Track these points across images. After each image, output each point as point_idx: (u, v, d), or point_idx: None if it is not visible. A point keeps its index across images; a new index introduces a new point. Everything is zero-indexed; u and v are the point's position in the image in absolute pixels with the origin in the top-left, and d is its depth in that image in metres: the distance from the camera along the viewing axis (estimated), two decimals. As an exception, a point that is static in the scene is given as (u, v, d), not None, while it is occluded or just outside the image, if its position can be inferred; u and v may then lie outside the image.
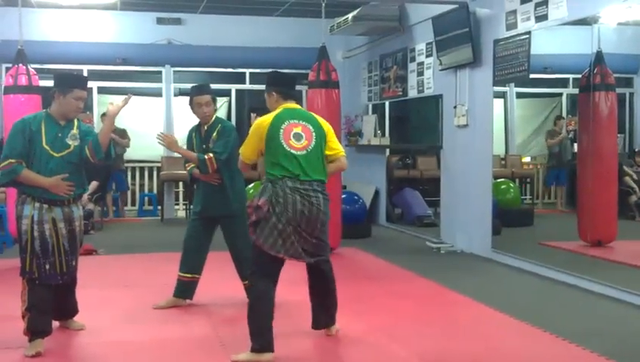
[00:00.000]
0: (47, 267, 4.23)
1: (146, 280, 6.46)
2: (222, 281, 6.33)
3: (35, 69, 7.61)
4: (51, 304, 4.33)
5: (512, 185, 9.63)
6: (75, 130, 4.45)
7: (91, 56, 11.18)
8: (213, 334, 4.78)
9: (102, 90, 11.80)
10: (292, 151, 4.32)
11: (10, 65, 7.88)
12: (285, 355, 4.28)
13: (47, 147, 4.31)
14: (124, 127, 11.00)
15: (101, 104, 11.65)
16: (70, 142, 4.39)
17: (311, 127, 4.46)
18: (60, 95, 4.40)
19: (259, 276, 4.34)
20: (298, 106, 4.63)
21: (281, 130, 4.37)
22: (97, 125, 10.65)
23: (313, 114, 4.70)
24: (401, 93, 9.88)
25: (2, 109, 7.54)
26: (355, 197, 9.60)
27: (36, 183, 4.26)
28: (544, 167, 9.74)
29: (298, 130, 4.40)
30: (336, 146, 4.57)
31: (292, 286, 4.93)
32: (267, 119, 4.47)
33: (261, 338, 4.15)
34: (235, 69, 12.10)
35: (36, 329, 4.23)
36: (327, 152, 4.52)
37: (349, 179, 9.92)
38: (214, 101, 5.45)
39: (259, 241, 4.24)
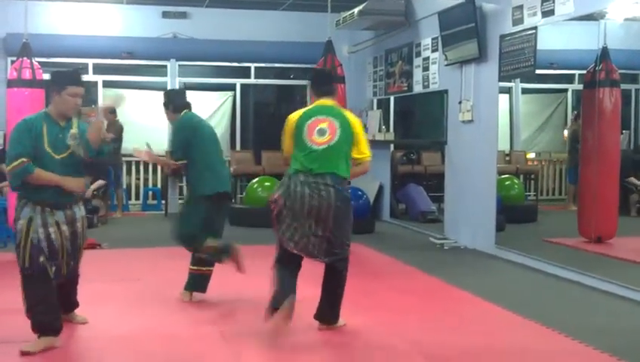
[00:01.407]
0: (54, 269, 4.18)
1: (149, 275, 6.46)
2: (224, 276, 6.34)
3: (40, 62, 7.60)
4: (55, 300, 4.27)
5: (516, 181, 9.61)
6: (74, 130, 4.33)
7: (97, 50, 11.18)
8: (214, 328, 4.77)
9: (107, 84, 11.79)
10: (312, 146, 4.43)
11: (15, 58, 7.89)
12: (289, 348, 4.29)
13: (49, 149, 4.20)
14: (131, 122, 10.99)
15: (106, 98, 11.65)
16: (70, 143, 4.28)
17: (337, 123, 4.50)
18: (55, 94, 4.31)
19: (278, 266, 4.56)
20: (330, 102, 4.67)
21: (306, 126, 4.48)
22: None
23: (345, 112, 4.73)
24: (406, 88, 9.86)
25: (6, 103, 7.53)
26: (359, 193, 9.59)
27: (50, 181, 4.16)
28: (565, 163, 9.66)
29: (324, 125, 4.48)
30: (364, 150, 4.59)
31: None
32: (296, 115, 4.59)
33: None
34: (240, 63, 12.08)
35: (44, 327, 4.21)
36: (356, 155, 4.55)
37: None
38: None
39: (278, 234, 4.46)
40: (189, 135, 5.52)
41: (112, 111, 10.58)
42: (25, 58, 7.36)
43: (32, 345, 4.16)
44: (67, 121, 4.36)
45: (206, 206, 5.40)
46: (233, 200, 11.37)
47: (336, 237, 4.45)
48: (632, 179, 7.94)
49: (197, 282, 5.50)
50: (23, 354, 4.09)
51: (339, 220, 4.43)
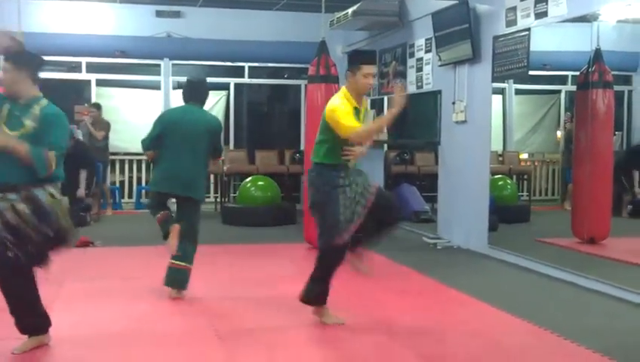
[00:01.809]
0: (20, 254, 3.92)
1: (142, 273, 6.46)
2: (217, 273, 6.35)
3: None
4: (35, 295, 4.13)
5: (509, 181, 9.65)
6: (36, 111, 4.06)
7: (90, 49, 11.16)
8: (209, 326, 4.78)
9: (100, 83, 11.78)
10: None
11: (8, 56, 7.86)
12: (283, 347, 4.30)
13: (4, 126, 4.02)
14: (124, 120, 10.98)
15: (100, 96, 11.64)
16: (27, 122, 4.01)
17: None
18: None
19: None
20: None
21: None
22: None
23: (332, 98, 4.78)
24: (399, 89, 9.85)
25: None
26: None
27: None
28: (558, 164, 9.71)
29: None
30: (343, 129, 4.52)
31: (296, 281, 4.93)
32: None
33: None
34: (234, 62, 12.08)
35: (29, 329, 4.16)
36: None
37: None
38: None
39: None
40: (158, 127, 5.49)
41: (97, 108, 10.59)
42: (19, 56, 7.32)
43: (23, 345, 4.14)
44: (29, 100, 4.12)
45: (153, 197, 5.66)
46: (225, 200, 11.38)
47: (316, 221, 4.63)
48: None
49: (174, 277, 5.44)
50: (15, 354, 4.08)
51: (315, 205, 4.66)
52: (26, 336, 4.18)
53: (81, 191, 9.51)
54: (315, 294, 4.76)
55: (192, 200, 5.47)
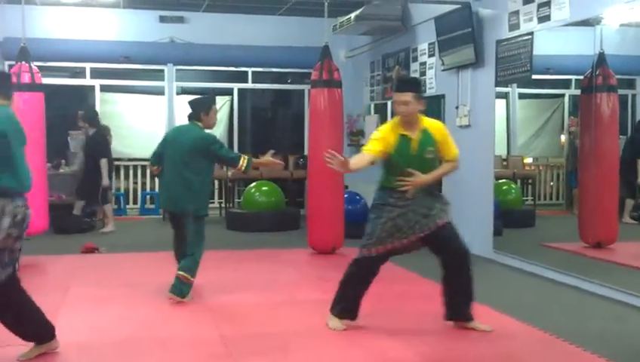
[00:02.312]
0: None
1: (147, 279, 6.46)
2: (222, 279, 6.35)
3: (37, 66, 7.61)
4: (30, 304, 4.07)
5: (513, 186, 9.62)
6: None
7: (94, 54, 11.20)
8: (214, 331, 4.78)
9: (104, 88, 11.81)
10: None
11: (13, 62, 7.89)
12: (289, 353, 4.30)
13: None
14: (128, 126, 10.99)
15: (103, 102, 11.66)
16: None
17: None
18: None
19: None
20: None
21: None
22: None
23: None
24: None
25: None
26: (357, 197, 9.60)
27: None
28: (562, 168, 9.67)
29: None
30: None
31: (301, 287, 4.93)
32: None
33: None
34: (237, 67, 12.09)
35: (35, 338, 4.15)
36: None
37: (351, 178, 9.92)
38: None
39: None
40: (160, 145, 5.85)
41: (92, 118, 10.29)
42: (23, 62, 7.36)
43: (29, 351, 4.14)
44: None
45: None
46: (227, 205, 11.39)
47: None
48: None
49: (175, 285, 5.54)
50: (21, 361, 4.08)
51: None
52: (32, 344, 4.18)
53: (106, 181, 9.56)
54: (341, 307, 4.84)
55: (185, 215, 5.56)
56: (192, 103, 5.76)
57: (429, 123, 4.80)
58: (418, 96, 4.69)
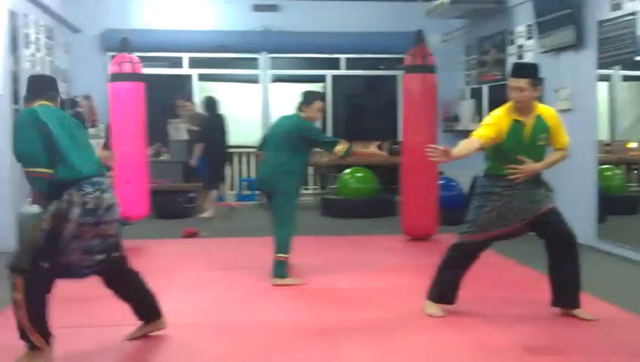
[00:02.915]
0: None
1: (246, 263, 6.59)
2: (317, 265, 6.41)
3: (137, 56, 7.85)
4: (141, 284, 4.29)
5: (617, 171, 9.27)
6: None
7: (191, 44, 11.46)
8: (313, 317, 4.82)
9: (202, 78, 12.07)
10: None
11: (114, 53, 8.16)
12: (385, 338, 4.30)
13: None
14: (225, 114, 11.19)
15: (201, 90, 11.93)
16: None
17: None
18: None
19: None
20: None
21: None
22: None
23: None
24: (500, 77, 9.66)
25: (108, 97, 7.81)
26: (452, 183, 9.48)
27: None
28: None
29: None
30: None
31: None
32: None
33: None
34: (330, 54, 12.12)
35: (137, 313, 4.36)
36: None
37: (446, 164, 9.79)
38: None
39: None
40: (267, 131, 6.36)
41: (190, 101, 10.79)
42: (125, 53, 7.60)
43: (134, 331, 4.29)
44: None
45: None
46: (322, 192, 11.47)
47: None
48: None
49: (274, 268, 5.73)
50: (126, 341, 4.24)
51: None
52: (139, 323, 4.32)
53: (194, 160, 9.90)
54: (438, 291, 4.81)
55: (278, 192, 5.80)
56: (301, 94, 6.06)
57: (542, 109, 4.69)
58: (534, 83, 4.57)
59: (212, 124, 9.99)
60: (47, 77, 4.46)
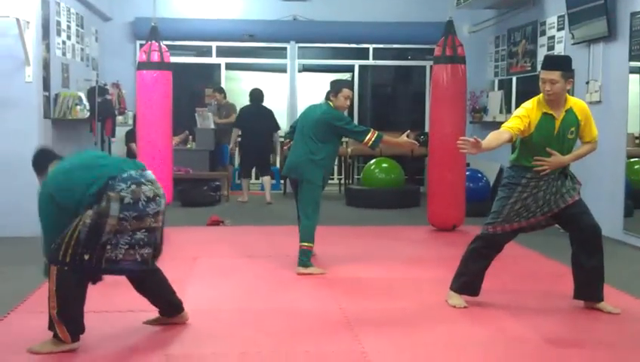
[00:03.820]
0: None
1: (270, 251, 6.62)
2: (341, 254, 6.42)
3: (166, 45, 7.90)
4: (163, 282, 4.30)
5: (646, 165, 9.15)
6: None
7: (219, 33, 11.50)
8: (336, 306, 4.83)
9: (229, 67, 12.12)
10: None
11: (143, 42, 8.22)
12: (409, 329, 4.30)
13: None
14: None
15: (228, 79, 11.98)
16: None
17: None
18: None
19: None
20: None
21: None
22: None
23: None
24: (529, 69, 9.57)
25: (136, 85, 7.88)
26: (479, 175, 9.44)
27: None
28: None
29: None
30: None
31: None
32: None
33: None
34: (358, 44, 12.09)
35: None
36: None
37: (473, 156, 9.73)
38: None
39: None
40: (296, 120, 6.39)
41: (220, 92, 10.90)
42: (154, 41, 7.65)
43: (155, 319, 4.33)
44: None
45: None
46: (348, 182, 11.47)
47: None
48: None
49: (299, 257, 5.75)
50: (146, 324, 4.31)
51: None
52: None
53: (232, 145, 10.44)
54: (461, 282, 4.79)
55: (304, 181, 5.83)
56: (330, 84, 6.07)
57: (573, 102, 4.64)
58: (566, 75, 4.51)
59: (252, 114, 10.12)
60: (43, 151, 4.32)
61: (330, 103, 5.90)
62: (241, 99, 11.60)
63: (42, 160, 4.13)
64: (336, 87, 5.93)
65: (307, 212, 5.80)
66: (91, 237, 3.72)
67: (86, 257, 3.73)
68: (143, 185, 3.88)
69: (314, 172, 5.79)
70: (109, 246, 3.77)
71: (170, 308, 4.31)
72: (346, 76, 12.36)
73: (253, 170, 10.58)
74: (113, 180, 3.80)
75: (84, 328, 3.87)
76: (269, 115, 10.29)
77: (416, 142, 6.09)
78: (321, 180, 5.87)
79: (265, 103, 10.46)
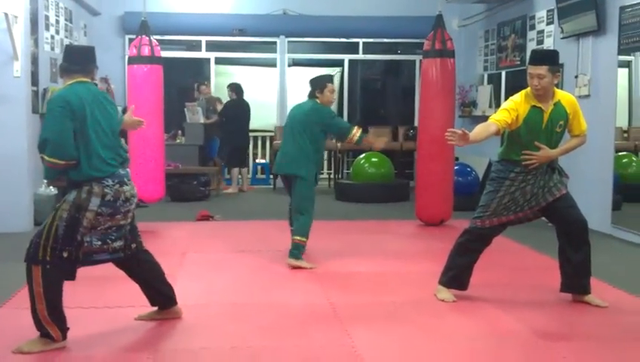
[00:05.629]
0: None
1: (259, 246, 6.62)
2: (330, 249, 6.43)
3: (156, 39, 7.86)
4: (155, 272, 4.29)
5: (634, 158, 9.20)
6: None
7: (209, 27, 11.46)
8: (325, 300, 4.84)
9: (219, 61, 12.09)
10: None
11: (133, 36, 8.19)
12: (397, 322, 4.31)
13: None
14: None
15: (218, 74, 11.95)
16: None
17: None
18: None
19: None
20: None
21: None
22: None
23: None
24: (519, 63, 9.60)
25: (126, 79, 7.85)
26: (468, 169, 9.46)
27: None
28: None
29: None
30: None
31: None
32: None
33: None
34: (348, 38, 12.08)
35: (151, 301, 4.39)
36: None
37: (462, 150, 9.77)
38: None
39: None
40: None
41: (206, 84, 11.03)
42: (144, 36, 7.62)
43: (147, 314, 4.33)
44: None
45: None
46: (338, 176, 11.48)
47: None
48: None
49: (291, 250, 5.78)
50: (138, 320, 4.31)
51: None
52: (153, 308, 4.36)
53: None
54: (449, 276, 4.81)
55: (297, 177, 5.84)
56: (310, 82, 6.04)
57: (562, 95, 4.65)
58: (554, 70, 4.53)
59: (237, 108, 10.39)
60: (87, 49, 4.24)
61: (317, 100, 5.90)
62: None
63: (91, 57, 4.02)
64: (320, 83, 5.93)
65: (304, 208, 5.82)
66: (69, 233, 3.72)
67: (65, 254, 3.73)
68: (125, 185, 3.91)
69: (307, 169, 5.82)
70: (85, 244, 3.79)
71: (159, 298, 4.29)
72: (336, 71, 12.34)
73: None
74: (105, 176, 3.81)
75: (67, 326, 3.86)
76: (249, 108, 10.72)
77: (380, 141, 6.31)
78: (314, 176, 5.92)
79: (255, 98, 10.53)
